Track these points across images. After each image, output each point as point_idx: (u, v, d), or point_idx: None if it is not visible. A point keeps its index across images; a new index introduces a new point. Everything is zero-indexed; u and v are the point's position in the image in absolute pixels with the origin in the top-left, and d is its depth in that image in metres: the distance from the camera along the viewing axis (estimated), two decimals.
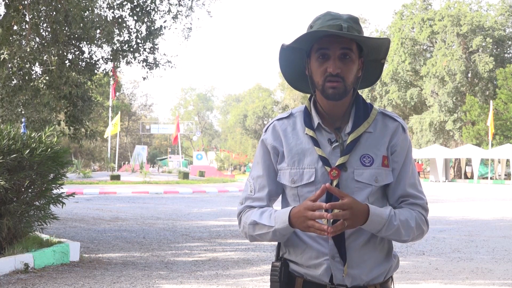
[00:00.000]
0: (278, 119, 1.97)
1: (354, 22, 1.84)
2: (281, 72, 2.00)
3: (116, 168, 37.94)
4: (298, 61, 1.94)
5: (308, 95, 1.99)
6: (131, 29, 11.23)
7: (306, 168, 1.86)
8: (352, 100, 1.90)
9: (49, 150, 7.13)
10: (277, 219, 1.83)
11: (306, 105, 1.95)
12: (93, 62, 11.34)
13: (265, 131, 1.98)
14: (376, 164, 1.84)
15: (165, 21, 11.54)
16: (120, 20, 10.69)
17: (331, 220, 1.78)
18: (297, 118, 1.94)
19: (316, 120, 1.89)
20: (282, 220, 1.81)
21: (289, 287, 1.87)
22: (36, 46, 10.33)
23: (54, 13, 9.64)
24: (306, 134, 1.88)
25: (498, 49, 47.31)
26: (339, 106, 1.88)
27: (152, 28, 11.19)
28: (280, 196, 2.00)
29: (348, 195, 1.75)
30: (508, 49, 48.26)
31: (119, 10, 10.78)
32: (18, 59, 9.75)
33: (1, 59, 9.46)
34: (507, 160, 42.45)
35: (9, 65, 9.95)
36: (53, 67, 10.23)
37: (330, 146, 1.85)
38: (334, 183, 1.80)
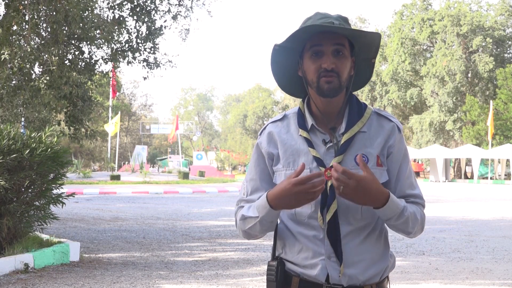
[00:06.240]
0: (272, 122, 1.99)
1: (344, 21, 1.86)
2: (273, 76, 1.98)
3: (116, 168, 37.87)
4: (289, 64, 1.93)
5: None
6: (131, 29, 11.23)
7: None
8: (346, 100, 1.90)
9: (49, 150, 7.12)
10: (258, 207, 1.85)
11: (300, 106, 1.95)
12: (93, 62, 11.33)
13: (260, 134, 1.99)
14: (371, 163, 1.85)
15: (165, 21, 11.54)
16: (120, 20, 10.68)
17: (327, 219, 1.79)
18: (290, 120, 1.95)
19: (309, 121, 1.89)
20: (263, 206, 1.83)
21: (285, 286, 1.88)
22: (36, 46, 10.32)
23: (54, 13, 9.63)
24: (300, 135, 1.89)
25: (498, 49, 47.32)
26: (333, 104, 1.88)
27: (152, 28, 11.19)
28: None
29: (371, 172, 1.74)
30: (508, 49, 48.26)
31: (119, 10, 10.77)
32: (19, 59, 9.74)
33: (2, 59, 9.45)
34: (507, 160, 42.44)
35: (10, 65, 9.94)
36: (53, 67, 10.22)
37: (325, 147, 1.86)
38: (329, 183, 1.80)
